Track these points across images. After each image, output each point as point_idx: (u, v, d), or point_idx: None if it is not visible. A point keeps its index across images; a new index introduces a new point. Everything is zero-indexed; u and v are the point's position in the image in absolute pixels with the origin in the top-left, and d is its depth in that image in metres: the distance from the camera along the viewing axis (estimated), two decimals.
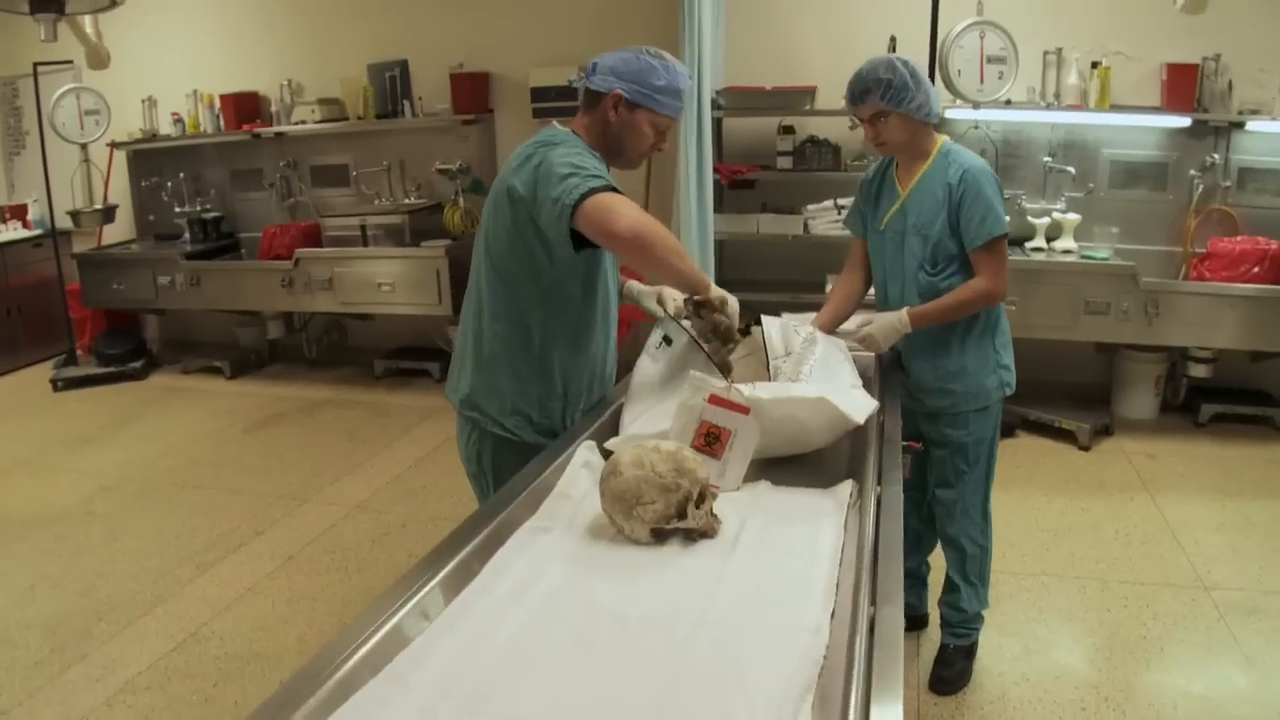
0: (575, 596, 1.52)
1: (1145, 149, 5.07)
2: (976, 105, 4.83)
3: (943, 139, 2.63)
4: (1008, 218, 2.55)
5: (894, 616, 1.38)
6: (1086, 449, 4.80)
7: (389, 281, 5.62)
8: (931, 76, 4.44)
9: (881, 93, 2.45)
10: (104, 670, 3.05)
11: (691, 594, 1.52)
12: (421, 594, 1.47)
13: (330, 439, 5.13)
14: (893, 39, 4.99)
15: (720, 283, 2.29)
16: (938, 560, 3.09)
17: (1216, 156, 4.95)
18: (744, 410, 1.95)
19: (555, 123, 2.27)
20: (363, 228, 5.75)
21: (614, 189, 2.00)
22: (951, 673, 2.93)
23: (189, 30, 6.33)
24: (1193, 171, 4.99)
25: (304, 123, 5.86)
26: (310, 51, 6.03)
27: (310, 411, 5.59)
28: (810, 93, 5.19)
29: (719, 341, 2.26)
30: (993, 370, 2.72)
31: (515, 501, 1.80)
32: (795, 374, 2.34)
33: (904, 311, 2.58)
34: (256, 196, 6.38)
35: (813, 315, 2.82)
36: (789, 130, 5.36)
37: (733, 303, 2.24)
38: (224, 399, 5.88)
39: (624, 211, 1.96)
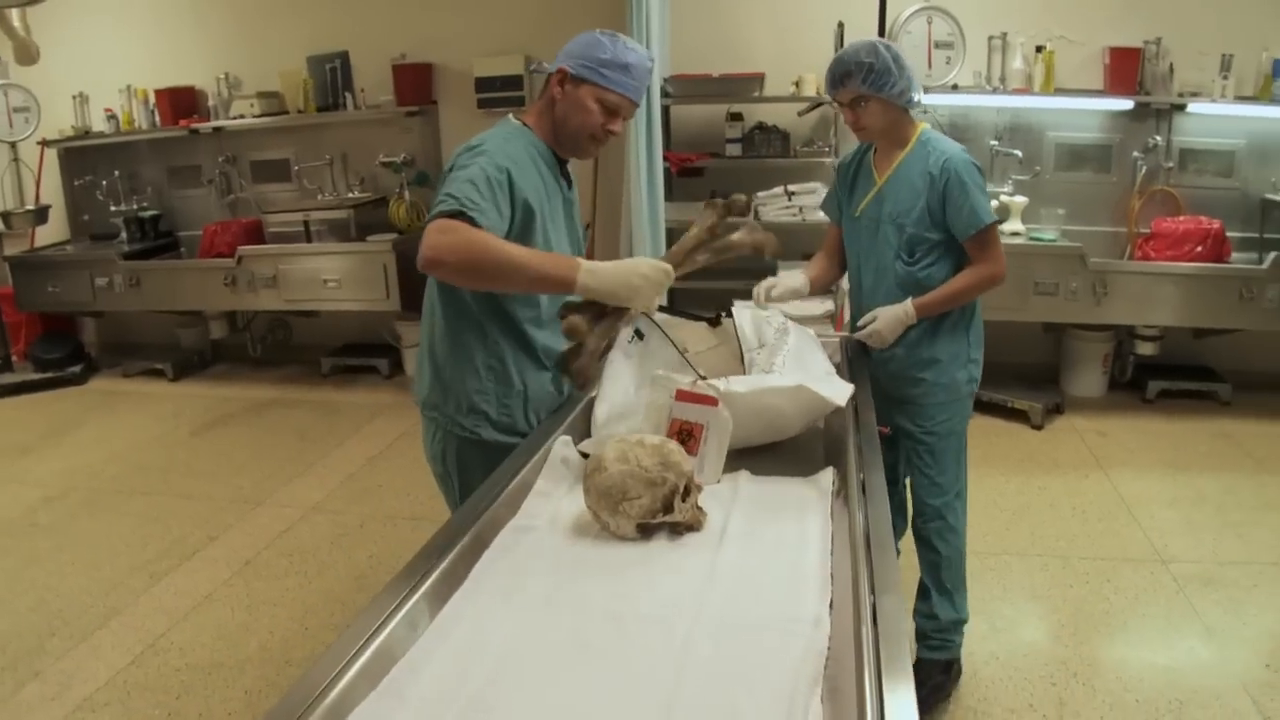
0: (567, 597, 1.49)
1: (1089, 132, 5.14)
2: (925, 90, 4.84)
3: (922, 126, 2.56)
4: (994, 202, 2.53)
5: (895, 605, 1.36)
6: (1039, 428, 4.86)
7: (335, 278, 5.51)
8: None
9: (863, 77, 2.39)
10: (60, 687, 2.93)
11: (684, 590, 1.49)
12: (410, 603, 1.42)
13: (280, 439, 5.01)
14: (840, 24, 4.99)
15: None
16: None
17: (1159, 138, 5.03)
18: (712, 402, 1.93)
19: (511, 115, 2.21)
20: (306, 223, 5.63)
21: (465, 214, 1.85)
22: (924, 690, 2.70)
23: (121, 23, 6.12)
24: (1136, 153, 5.07)
25: (243, 117, 5.71)
26: (248, 44, 5.88)
27: (258, 412, 5.46)
28: (759, 79, 5.18)
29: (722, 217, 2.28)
30: (964, 364, 2.67)
31: (496, 501, 1.75)
32: (769, 365, 2.32)
33: (909, 303, 2.54)
34: (195, 193, 6.20)
35: (799, 272, 2.80)
36: (737, 117, 5.34)
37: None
38: (168, 402, 5.72)
39: (439, 243, 1.83)
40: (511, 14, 5.61)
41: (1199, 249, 4.80)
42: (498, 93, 5.68)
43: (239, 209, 6.11)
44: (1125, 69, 4.92)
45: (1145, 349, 5.15)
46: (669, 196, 5.03)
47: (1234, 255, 4.91)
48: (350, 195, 5.85)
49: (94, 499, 4.34)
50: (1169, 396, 5.21)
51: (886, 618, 1.32)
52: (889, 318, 2.56)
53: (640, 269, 1.96)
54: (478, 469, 2.21)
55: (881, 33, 4.69)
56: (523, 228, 2.06)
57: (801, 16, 5.31)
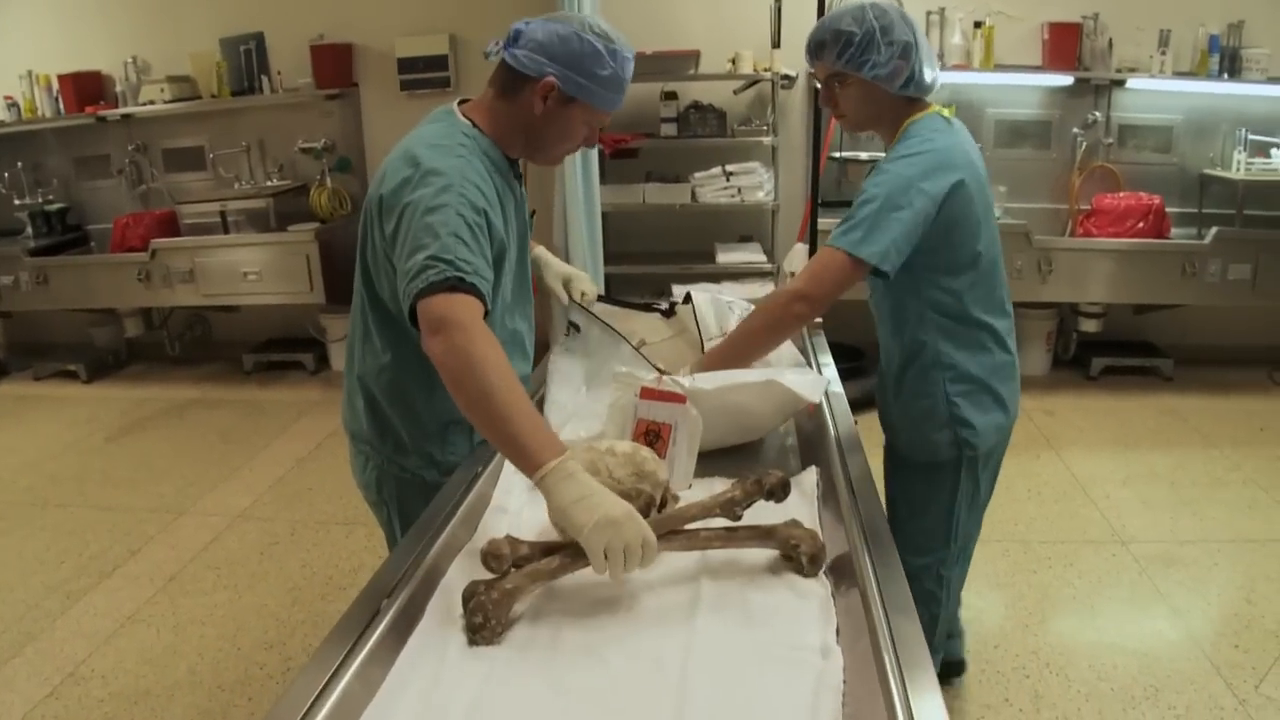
0: (538, 632, 1.32)
1: (1029, 108, 5.10)
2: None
3: (921, 114, 2.01)
4: (883, 240, 1.87)
5: (911, 627, 1.23)
6: None
7: (255, 270, 5.23)
8: None
9: (839, 50, 1.93)
10: None
11: (669, 617, 1.34)
12: (360, 655, 1.21)
13: (202, 443, 4.74)
14: (777, 1, 4.86)
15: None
16: None
17: (1098, 114, 5.01)
18: (680, 399, 1.77)
19: (455, 106, 1.86)
20: (223, 214, 5.33)
21: (464, 283, 1.53)
22: None
23: (21, 5, 5.69)
24: (1076, 129, 5.04)
25: (153, 103, 5.36)
26: (156, 26, 5.52)
27: (178, 414, 5.17)
28: (694, 57, 5.03)
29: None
30: (943, 424, 2.12)
31: (452, 521, 1.57)
32: None
33: (686, 369, 1.96)
34: (104, 185, 5.83)
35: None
36: (672, 96, 5.19)
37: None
38: (82, 406, 5.39)
39: (445, 346, 1.48)
40: None
41: (1140, 225, 4.80)
42: (421, 74, 5.46)
43: (151, 200, 5.76)
44: (1064, 45, 4.88)
45: (1088, 326, 5.14)
46: (602, 179, 4.85)
47: (1174, 231, 4.92)
48: (269, 183, 5.57)
49: (4, 513, 4.04)
50: (1112, 373, 5.21)
51: (905, 643, 1.19)
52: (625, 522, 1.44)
53: (615, 515, 1.33)
54: (419, 501, 1.87)
55: (820, 10, 4.54)
56: (494, 260, 1.74)
57: None
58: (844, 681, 1.18)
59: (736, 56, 5.06)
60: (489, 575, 1.35)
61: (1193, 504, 3.79)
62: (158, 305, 5.61)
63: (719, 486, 1.72)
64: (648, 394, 1.78)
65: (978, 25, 4.84)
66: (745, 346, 2.00)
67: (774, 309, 1.98)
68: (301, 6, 5.39)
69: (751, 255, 5.19)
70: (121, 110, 5.49)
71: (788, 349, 2.22)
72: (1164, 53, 4.75)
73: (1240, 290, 4.73)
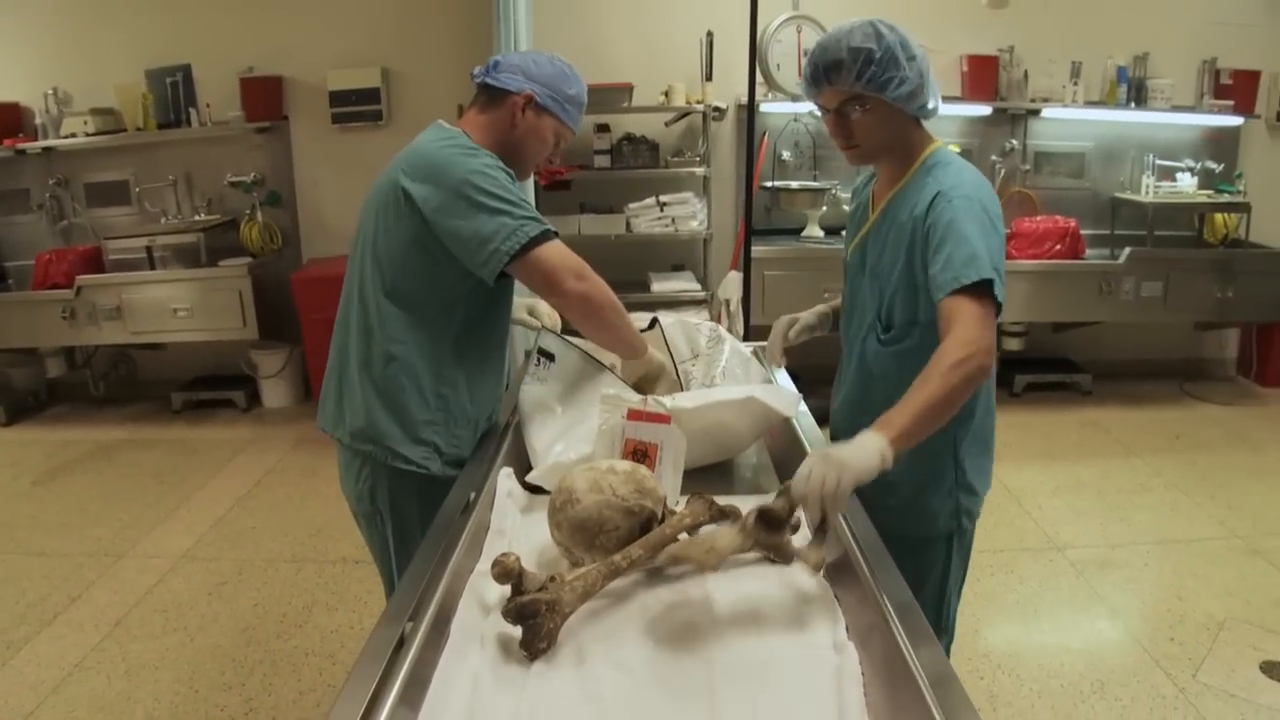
0: (561, 649, 1.35)
1: (950, 136, 5.30)
2: (795, 98, 4.90)
3: (936, 144, 1.87)
4: (997, 265, 1.65)
5: (917, 619, 1.30)
6: None
7: (186, 306, 5.14)
8: (753, 71, 4.43)
9: (859, 70, 1.71)
10: None
11: (684, 627, 1.39)
12: (404, 669, 1.23)
13: (135, 484, 4.62)
14: (709, 34, 5.00)
15: None
16: None
17: (1015, 142, 5.25)
18: (665, 420, 1.83)
19: (442, 121, 2.03)
20: (149, 249, 5.22)
21: (552, 232, 1.89)
22: None
23: None
24: (994, 157, 5.27)
25: (75, 136, 5.24)
26: (78, 56, 5.40)
27: (106, 455, 5.03)
28: (627, 90, 5.12)
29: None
30: (948, 492, 1.91)
31: (458, 545, 1.59)
32: (709, 378, 2.24)
33: (874, 434, 1.47)
34: (24, 220, 5.63)
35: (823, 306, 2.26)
36: (605, 129, 5.27)
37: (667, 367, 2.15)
38: (3, 449, 5.19)
39: (572, 269, 1.89)
40: (366, 25, 5.37)
41: (1057, 247, 5.02)
42: (353, 107, 5.44)
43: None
44: (983, 76, 5.11)
45: (1011, 344, 5.35)
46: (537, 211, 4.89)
47: (1089, 252, 5.16)
48: (197, 218, 5.48)
49: None
50: (1035, 389, 5.43)
51: (915, 635, 1.26)
52: (849, 462, 1.41)
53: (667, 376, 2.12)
54: (413, 507, 2.05)
55: (752, 43, 4.66)
56: None
57: (668, 26, 5.29)
58: (863, 674, 1.25)
59: (669, 89, 5.17)
60: (506, 594, 1.39)
61: (1120, 510, 3.98)
62: (83, 344, 5.45)
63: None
64: (635, 415, 1.83)
65: None
66: (944, 410, 1.56)
67: (965, 370, 1.55)
68: (230, 38, 5.34)
69: (686, 284, 5.30)
70: (41, 143, 5.33)
71: (757, 369, 2.30)
72: (1076, 83, 5.02)
73: (1153, 307, 4.99)
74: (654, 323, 2.28)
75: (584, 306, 1.93)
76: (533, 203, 4.56)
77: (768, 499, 1.79)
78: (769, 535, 1.46)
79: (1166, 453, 4.61)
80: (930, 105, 1.80)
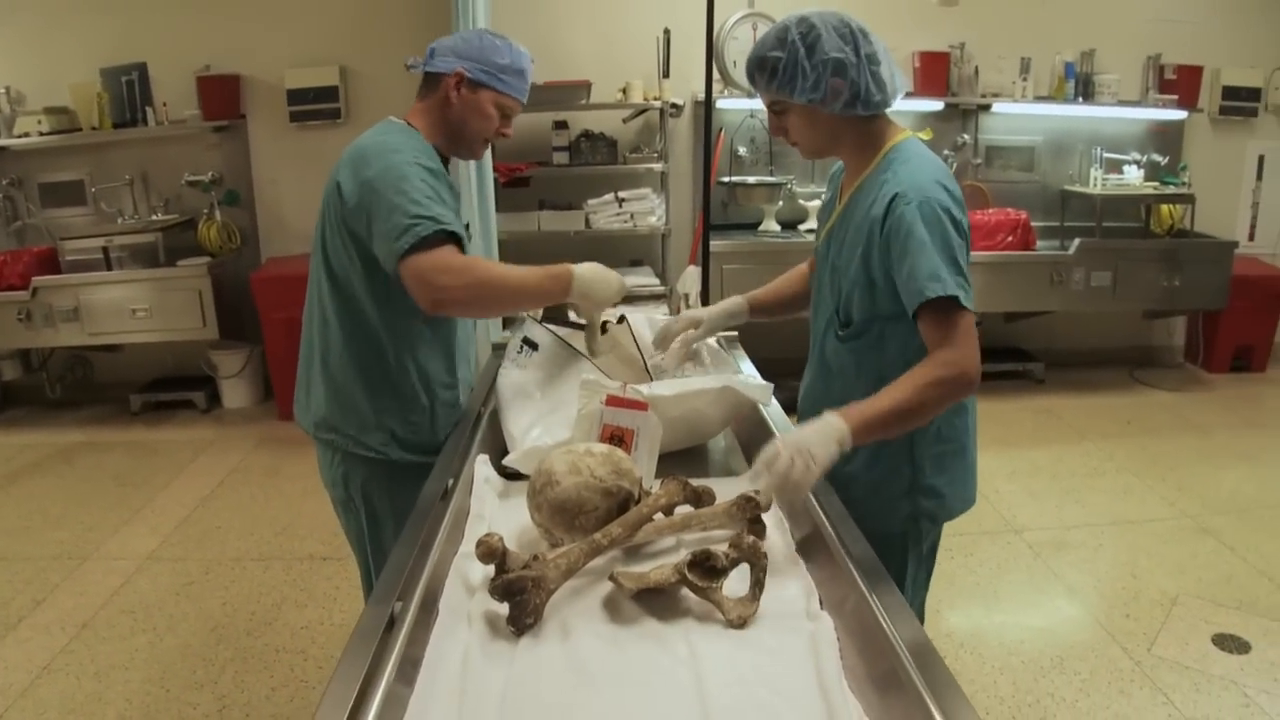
0: (547, 624, 1.39)
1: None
2: (751, 95, 4.95)
3: (899, 137, 1.82)
4: (961, 269, 1.67)
5: (892, 591, 1.36)
6: None
7: (144, 307, 5.10)
8: (709, 68, 4.48)
9: (768, 78, 1.76)
10: None
11: (663, 603, 1.43)
12: (397, 648, 1.26)
13: (97, 487, 4.58)
14: (666, 31, 5.06)
15: None
16: None
17: (966, 136, 5.36)
18: (642, 407, 1.88)
19: (392, 118, 2.10)
20: (106, 250, 5.17)
21: (445, 233, 1.84)
22: None
23: None
24: (946, 151, 5.37)
25: (28, 135, 5.18)
26: (32, 55, 5.33)
27: (66, 458, 4.98)
28: (585, 87, 5.15)
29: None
30: (904, 493, 1.88)
31: (442, 529, 1.62)
32: (680, 369, 2.30)
33: (837, 418, 1.56)
34: None
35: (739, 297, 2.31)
36: (563, 125, 5.31)
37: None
38: None
39: (448, 280, 1.82)
40: (324, 23, 5.36)
41: (1009, 239, 5.13)
42: (311, 105, 5.43)
43: (28, 237, 5.54)
44: (935, 72, 5.21)
45: None
46: (496, 208, 4.91)
47: (1039, 243, 5.28)
48: (155, 218, 5.43)
49: None
50: (989, 378, 5.51)
51: (889, 604, 1.32)
52: (806, 442, 1.51)
53: (611, 276, 2.07)
54: (385, 492, 2.13)
55: (709, 40, 4.71)
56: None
57: (626, 24, 5.33)
58: (838, 640, 1.31)
59: (627, 86, 5.22)
60: (489, 574, 1.43)
61: (1074, 493, 4.09)
62: (39, 346, 5.38)
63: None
64: (613, 401, 1.88)
65: None
66: (911, 418, 1.64)
67: (945, 390, 1.63)
68: (186, 37, 5.30)
69: (644, 279, 5.34)
70: None
71: (725, 360, 2.35)
72: (1025, 79, 5.13)
73: (1102, 296, 5.12)
74: (622, 319, 2.33)
75: (466, 307, 1.98)
76: (490, 202, 4.61)
77: (738, 481, 1.87)
78: (701, 579, 1.41)
79: (1118, 437, 4.74)
80: (863, 103, 1.73)
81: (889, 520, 1.89)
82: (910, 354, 1.72)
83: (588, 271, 2.03)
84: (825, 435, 1.53)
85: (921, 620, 2.06)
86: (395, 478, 2.09)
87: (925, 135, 1.95)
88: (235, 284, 5.31)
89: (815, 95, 1.73)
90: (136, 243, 5.20)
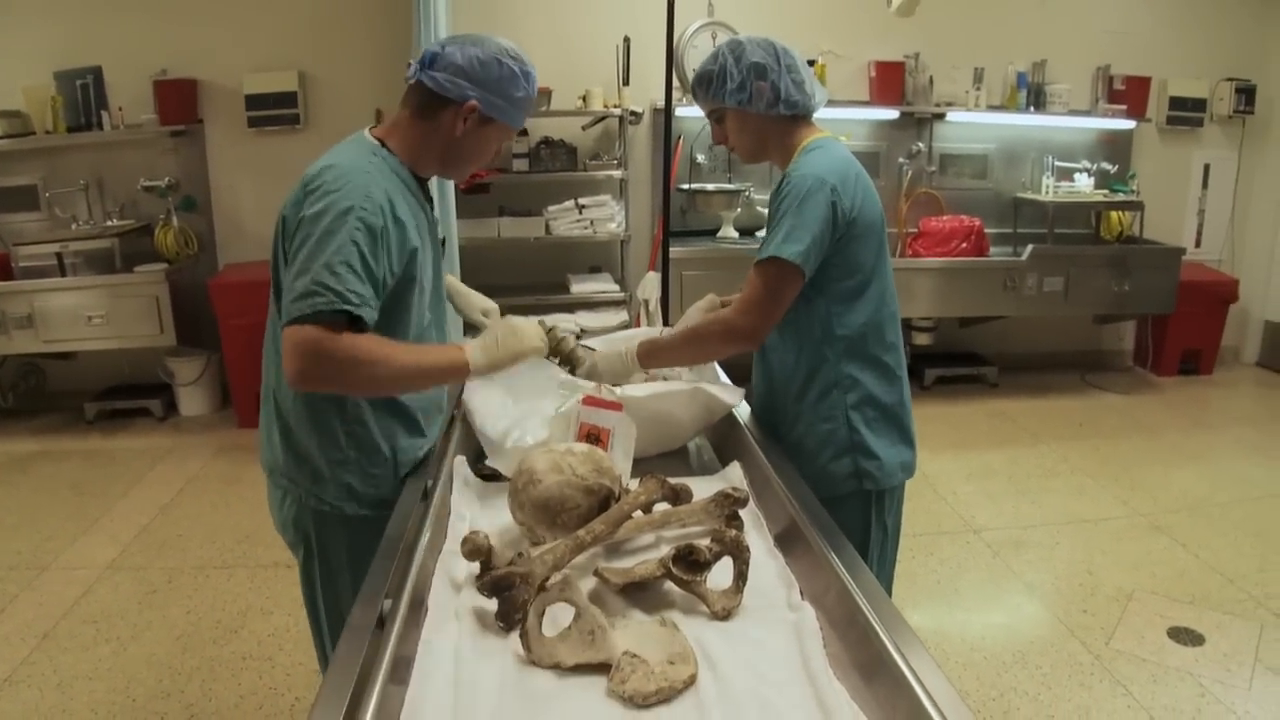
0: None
1: (860, 139, 5.49)
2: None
3: (816, 136, 2.04)
4: (802, 244, 1.87)
5: (870, 580, 1.40)
6: None
7: (100, 313, 5.03)
8: (669, 76, 4.53)
9: (705, 88, 2.04)
10: None
11: (650, 596, 1.47)
12: (390, 643, 1.28)
13: (53, 497, 4.51)
14: (626, 39, 5.09)
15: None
16: None
17: (921, 145, 5.46)
18: (617, 407, 1.92)
19: (366, 133, 1.87)
20: (60, 255, 5.10)
21: (344, 314, 1.61)
22: None
23: None
24: (901, 159, 5.46)
25: None
26: None
27: (20, 468, 4.89)
28: (545, 95, 5.18)
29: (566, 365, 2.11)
30: (843, 451, 2.02)
31: (426, 529, 1.63)
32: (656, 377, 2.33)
33: (634, 343, 2.09)
34: None
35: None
36: (523, 133, 5.32)
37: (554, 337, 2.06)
38: None
39: (302, 368, 1.61)
40: (283, 28, 5.33)
41: (963, 245, 5.24)
42: (270, 110, 5.39)
43: None
44: (890, 82, 5.30)
45: (921, 339, 5.55)
46: (456, 214, 4.91)
47: (993, 250, 5.39)
48: (110, 223, 5.35)
49: None
50: (945, 382, 5.64)
51: (869, 593, 1.35)
52: (607, 355, 2.11)
53: (523, 334, 1.89)
54: (339, 542, 1.93)
55: (669, 48, 4.76)
56: (405, 270, 1.79)
57: (586, 31, 5.37)
58: (820, 629, 1.34)
59: (586, 94, 5.25)
60: (474, 572, 1.45)
61: (1030, 493, 4.18)
62: None
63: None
64: (590, 401, 1.91)
65: (810, 63, 5.19)
66: (694, 346, 2.06)
67: (724, 327, 1.96)
68: (142, 41, 5.24)
69: (604, 285, 5.37)
70: None
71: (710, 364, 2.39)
72: (978, 88, 5.25)
73: (1054, 301, 5.24)
74: (579, 337, 2.38)
75: (342, 388, 1.75)
76: (451, 209, 4.59)
77: (715, 479, 1.91)
78: (686, 573, 1.45)
79: (1071, 439, 4.85)
80: (786, 104, 1.99)
81: (835, 480, 2.02)
82: (827, 319, 2.00)
83: (480, 354, 1.81)
84: (615, 359, 2.08)
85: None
86: (354, 532, 1.89)
87: (845, 138, 2.19)
88: (193, 290, 5.26)
89: (742, 95, 1.99)
90: (92, 248, 5.13)
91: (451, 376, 1.84)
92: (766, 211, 2.16)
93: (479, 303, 2.37)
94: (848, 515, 1.99)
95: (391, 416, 1.89)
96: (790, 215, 1.89)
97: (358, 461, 1.87)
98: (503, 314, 2.24)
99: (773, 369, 2.12)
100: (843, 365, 2.01)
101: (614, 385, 1.98)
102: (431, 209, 2.00)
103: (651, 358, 2.06)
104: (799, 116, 2.04)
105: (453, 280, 2.37)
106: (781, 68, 1.98)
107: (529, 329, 1.91)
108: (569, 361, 2.10)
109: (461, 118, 1.80)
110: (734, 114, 2.04)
